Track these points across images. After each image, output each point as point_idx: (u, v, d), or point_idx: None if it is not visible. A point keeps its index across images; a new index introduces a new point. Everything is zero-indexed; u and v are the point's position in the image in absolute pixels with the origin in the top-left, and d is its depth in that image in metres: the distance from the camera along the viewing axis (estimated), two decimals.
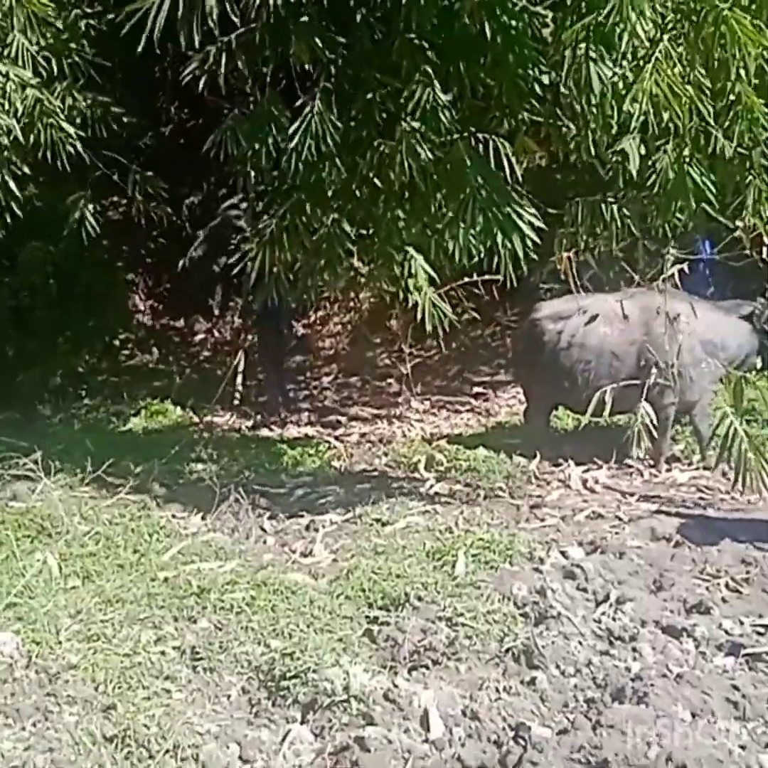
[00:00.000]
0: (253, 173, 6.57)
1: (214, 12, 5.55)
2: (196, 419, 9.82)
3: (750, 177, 5.74)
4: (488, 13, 5.48)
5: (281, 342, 11.33)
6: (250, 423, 9.97)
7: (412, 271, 6.07)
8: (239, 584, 5.01)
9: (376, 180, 6.04)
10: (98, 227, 7.90)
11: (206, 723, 3.79)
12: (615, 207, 6.18)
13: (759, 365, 8.80)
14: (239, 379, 10.46)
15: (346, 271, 6.50)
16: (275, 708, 3.96)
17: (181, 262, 12.90)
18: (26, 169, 6.96)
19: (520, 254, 5.76)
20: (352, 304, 12.71)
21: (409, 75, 5.73)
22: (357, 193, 6.31)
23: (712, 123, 5.45)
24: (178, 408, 10.04)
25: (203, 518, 6.39)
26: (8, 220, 6.92)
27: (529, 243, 5.76)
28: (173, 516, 6.44)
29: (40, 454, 6.70)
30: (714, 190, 5.71)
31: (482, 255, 6.01)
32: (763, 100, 5.31)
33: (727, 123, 5.44)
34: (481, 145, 5.86)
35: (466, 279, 8.79)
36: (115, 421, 9.80)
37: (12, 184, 6.63)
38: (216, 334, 13.15)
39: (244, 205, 12.26)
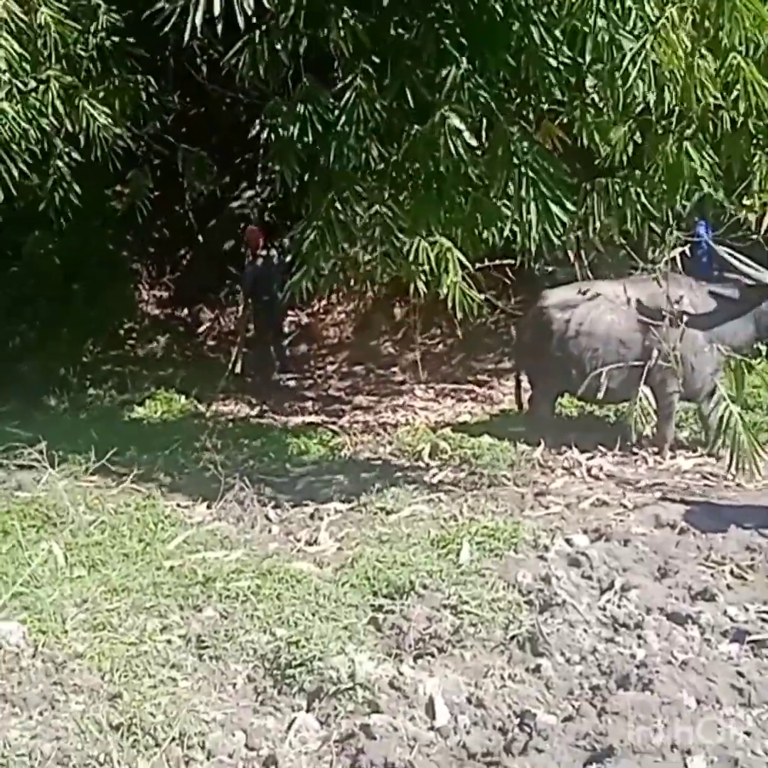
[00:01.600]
0: (286, 164, 6.48)
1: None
2: (201, 408, 9.82)
3: (757, 154, 5.71)
4: None
5: (279, 330, 11.36)
6: (254, 412, 9.98)
7: (446, 258, 6.04)
8: (244, 573, 5.02)
9: (410, 165, 6.02)
10: (101, 219, 7.92)
11: (212, 711, 3.80)
12: (619, 188, 6.16)
13: (764, 351, 8.82)
14: (241, 368, 10.43)
15: (395, 258, 6.44)
16: (281, 696, 3.97)
17: (184, 252, 12.91)
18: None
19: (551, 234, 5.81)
20: (357, 291, 12.69)
21: (439, 60, 5.73)
22: (396, 178, 6.30)
23: (720, 99, 5.44)
24: (183, 397, 10.04)
25: (208, 507, 6.41)
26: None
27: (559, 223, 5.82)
28: (178, 505, 6.45)
29: (45, 444, 6.73)
30: (713, 172, 5.70)
31: (509, 237, 6.05)
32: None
33: (732, 100, 5.43)
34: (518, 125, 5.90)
35: (478, 265, 8.77)
36: (120, 411, 9.80)
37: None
38: (221, 323, 13.14)
39: (250, 193, 12.26)
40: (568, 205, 5.80)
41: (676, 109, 5.50)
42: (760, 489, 6.39)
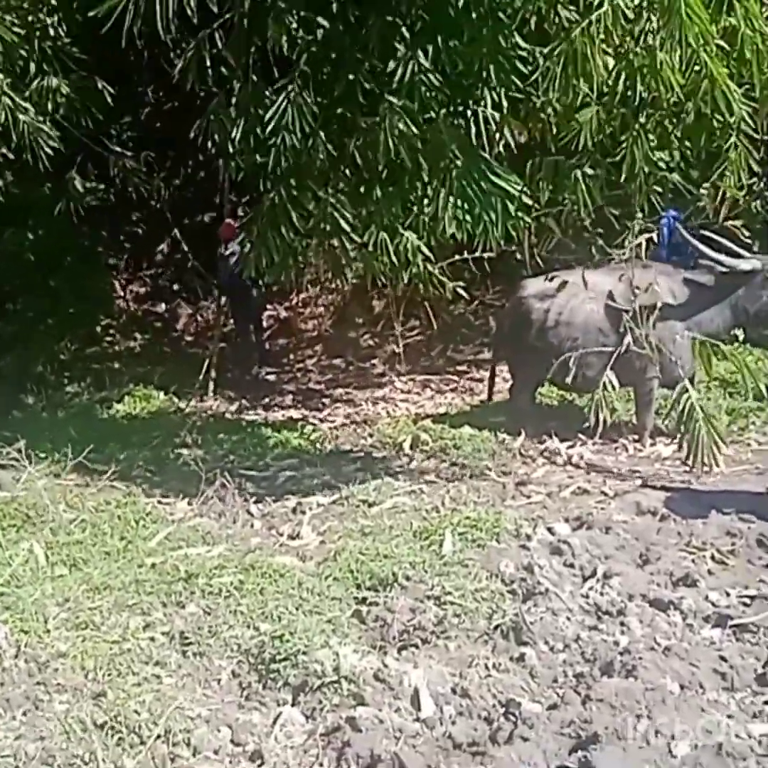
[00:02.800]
0: (233, 163, 6.50)
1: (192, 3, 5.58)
2: (180, 404, 9.79)
3: (729, 141, 5.70)
4: None
5: (258, 324, 11.35)
6: (234, 407, 9.95)
7: (407, 249, 6.03)
8: (227, 568, 5.00)
9: (360, 159, 6.01)
10: (79, 213, 7.88)
11: (197, 707, 3.79)
12: (580, 174, 6.17)
13: (741, 337, 8.85)
14: (208, 365, 10.41)
15: (344, 253, 6.43)
16: (266, 691, 3.97)
17: (161, 247, 12.86)
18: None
19: (500, 229, 5.79)
20: (334, 285, 12.66)
21: (389, 53, 5.71)
22: (345, 172, 6.28)
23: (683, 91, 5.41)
24: (162, 393, 10.00)
25: (189, 504, 6.38)
26: None
27: (512, 215, 5.80)
28: (159, 502, 6.43)
29: (24, 442, 6.69)
30: (676, 161, 5.72)
31: (470, 229, 6.03)
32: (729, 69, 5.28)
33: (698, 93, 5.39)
34: (463, 120, 5.86)
35: (456, 257, 8.80)
36: (98, 408, 9.75)
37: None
38: (198, 318, 13.10)
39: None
40: (508, 202, 5.81)
41: (640, 98, 5.47)
42: (739, 474, 6.44)
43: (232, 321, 11.88)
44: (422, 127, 5.76)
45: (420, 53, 5.70)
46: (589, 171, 6.14)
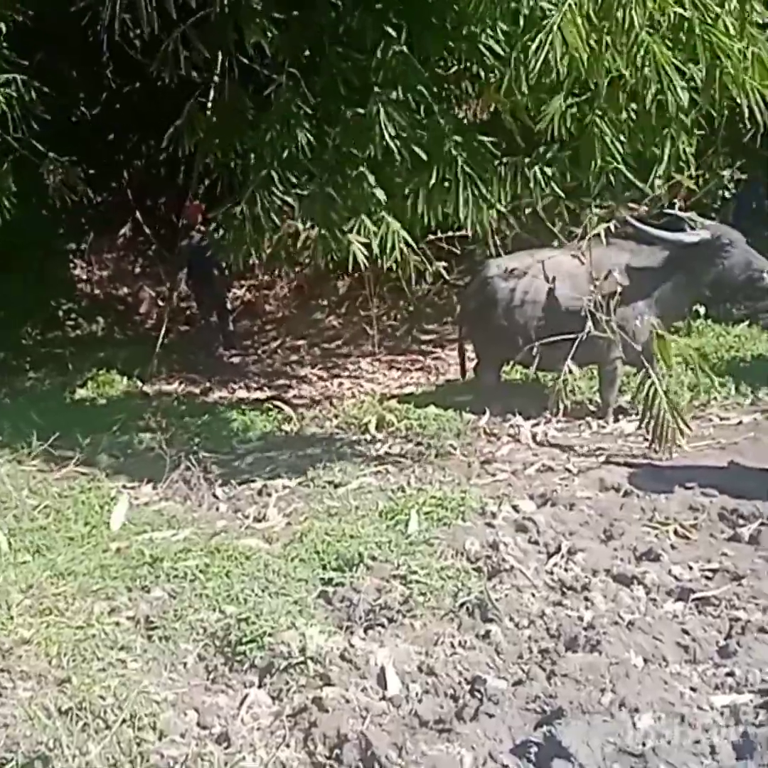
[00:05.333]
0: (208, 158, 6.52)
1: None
2: (144, 388, 9.72)
3: (669, 131, 5.68)
4: None
5: (222, 306, 11.30)
6: (198, 390, 9.89)
7: (388, 235, 6.04)
8: (192, 552, 4.99)
9: (346, 148, 6.01)
10: (29, 199, 7.78)
11: (163, 691, 3.78)
12: (537, 167, 6.20)
13: (703, 312, 8.92)
14: (182, 345, 10.36)
15: (329, 242, 6.43)
16: (232, 673, 3.97)
17: (122, 231, 12.75)
18: None
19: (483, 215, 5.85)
20: (298, 268, 12.61)
21: (375, 45, 5.71)
22: (329, 162, 6.27)
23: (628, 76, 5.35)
24: (125, 378, 9.92)
25: (154, 487, 6.34)
26: None
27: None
28: (124, 486, 6.38)
29: None
30: (623, 149, 5.72)
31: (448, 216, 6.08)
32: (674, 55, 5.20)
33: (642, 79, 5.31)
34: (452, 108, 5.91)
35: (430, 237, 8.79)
36: (61, 393, 9.65)
37: None
38: (161, 302, 13.00)
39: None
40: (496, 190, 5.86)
41: (594, 86, 5.45)
42: (701, 449, 6.49)
43: (194, 303, 11.81)
44: (417, 118, 5.76)
45: (403, 45, 5.72)
46: (547, 169, 6.18)
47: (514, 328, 7.55)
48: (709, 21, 5.00)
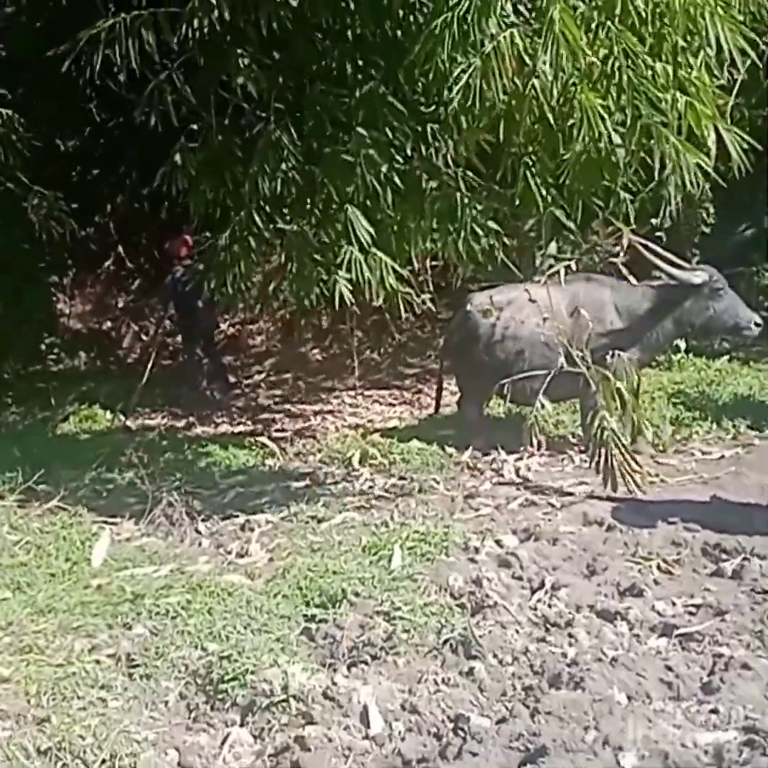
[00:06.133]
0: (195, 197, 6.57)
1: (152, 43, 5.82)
2: (127, 423, 9.69)
3: (605, 178, 5.63)
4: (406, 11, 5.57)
5: (210, 340, 11.28)
6: (181, 424, 9.87)
7: (379, 269, 6.08)
8: (174, 588, 4.95)
9: (330, 186, 6.04)
10: (13, 233, 7.82)
11: (144, 730, 3.74)
12: (478, 207, 6.26)
13: (683, 347, 8.98)
14: (166, 380, 10.33)
15: (314, 278, 6.46)
16: (214, 712, 3.93)
17: (106, 265, 12.76)
18: None
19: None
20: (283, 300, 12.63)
21: (355, 83, 5.80)
22: (315, 200, 6.32)
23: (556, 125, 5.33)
24: (108, 412, 9.89)
25: (136, 523, 6.31)
26: None
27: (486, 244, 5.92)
28: (105, 522, 6.33)
29: None
30: (561, 197, 5.76)
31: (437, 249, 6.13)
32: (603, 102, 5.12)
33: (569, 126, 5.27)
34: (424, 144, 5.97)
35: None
36: (44, 428, 9.62)
37: None
38: (144, 336, 12.99)
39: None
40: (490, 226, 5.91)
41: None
42: (684, 484, 6.52)
43: (178, 337, 11.80)
44: (392, 157, 5.82)
45: (379, 84, 5.80)
46: (479, 207, 6.24)
47: (495, 363, 7.57)
48: (639, 70, 4.96)
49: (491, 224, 6.33)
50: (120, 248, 13.16)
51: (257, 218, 6.18)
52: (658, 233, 7.46)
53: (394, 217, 6.07)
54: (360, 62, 5.91)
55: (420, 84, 5.92)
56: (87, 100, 11.05)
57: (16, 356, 11.34)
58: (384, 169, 5.82)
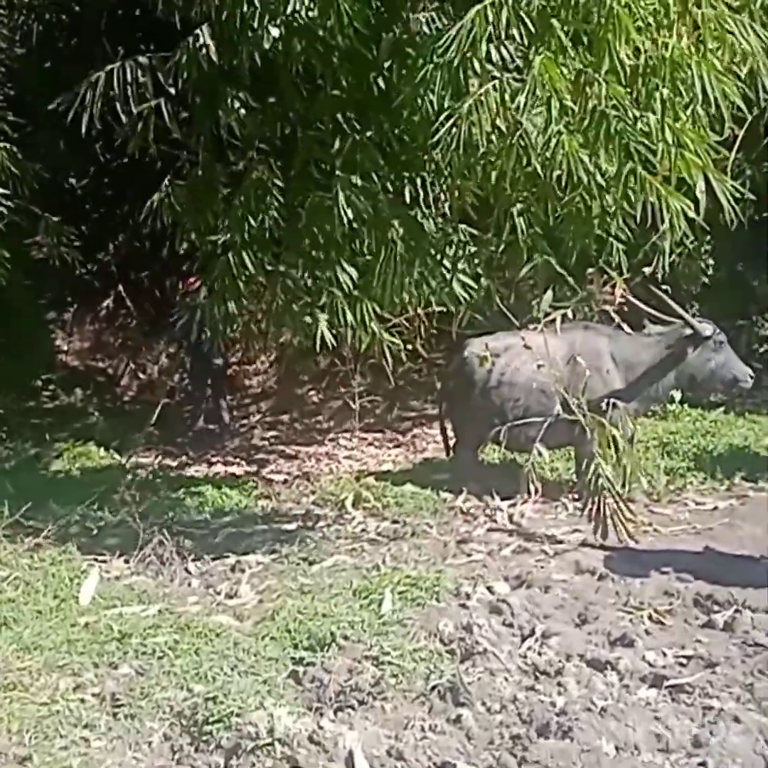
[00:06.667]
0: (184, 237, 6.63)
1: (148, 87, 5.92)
2: (121, 460, 9.66)
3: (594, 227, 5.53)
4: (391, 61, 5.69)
5: (216, 381, 11.21)
6: (175, 463, 9.85)
7: (360, 313, 6.10)
8: (162, 628, 4.93)
9: (315, 229, 6.08)
10: (18, 268, 7.88)
11: None
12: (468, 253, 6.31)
13: (678, 397, 8.99)
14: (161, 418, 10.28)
15: (302, 320, 6.50)
16: (198, 754, 3.89)
17: (105, 304, 12.79)
18: None
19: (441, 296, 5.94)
20: (280, 341, 12.66)
21: (336, 130, 5.85)
22: (299, 242, 6.36)
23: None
24: (102, 449, 9.87)
25: (126, 561, 6.27)
26: None
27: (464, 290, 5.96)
28: (95, 559, 6.30)
29: None
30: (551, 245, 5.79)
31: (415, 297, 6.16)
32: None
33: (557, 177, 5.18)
34: (409, 191, 6.00)
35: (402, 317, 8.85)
36: (37, 464, 9.59)
37: None
38: (140, 375, 13.00)
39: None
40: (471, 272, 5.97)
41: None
42: (677, 534, 6.50)
43: (176, 377, 11.79)
44: (369, 202, 5.87)
45: (363, 130, 5.86)
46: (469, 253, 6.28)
47: (491, 409, 7.59)
48: (627, 120, 4.95)
49: (482, 271, 6.35)
50: (120, 287, 13.18)
51: (244, 257, 6.20)
52: (663, 285, 7.48)
53: (379, 263, 6.08)
54: (346, 109, 5.97)
55: (405, 131, 5.97)
56: (92, 140, 11.16)
57: (12, 391, 11.30)
58: (367, 214, 5.85)
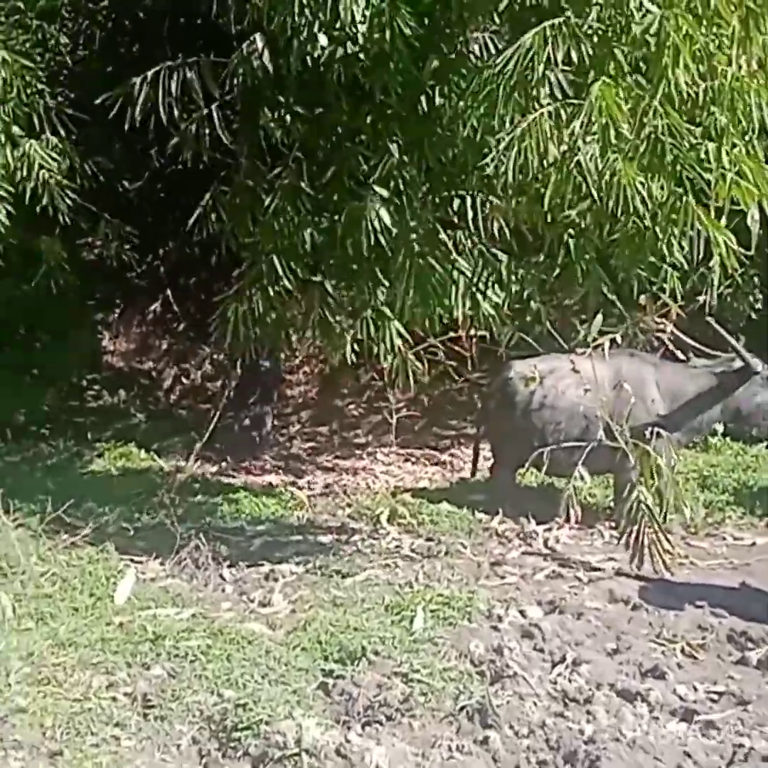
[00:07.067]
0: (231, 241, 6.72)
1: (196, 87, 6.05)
2: (161, 463, 9.75)
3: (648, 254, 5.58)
4: (439, 79, 5.75)
5: (264, 389, 11.23)
6: (215, 469, 9.91)
7: (386, 331, 6.13)
8: (195, 632, 4.97)
9: (348, 242, 6.12)
10: (70, 268, 8.01)
11: None
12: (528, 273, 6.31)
13: (720, 430, 8.91)
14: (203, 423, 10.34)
15: (331, 328, 6.55)
16: (225, 760, 3.93)
17: (153, 307, 12.91)
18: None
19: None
20: (322, 353, 12.72)
21: (377, 143, 5.90)
22: (333, 252, 6.40)
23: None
24: (143, 451, 9.97)
25: (162, 564, 6.33)
26: None
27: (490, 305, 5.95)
28: (132, 560, 6.37)
29: (1, 492, 6.63)
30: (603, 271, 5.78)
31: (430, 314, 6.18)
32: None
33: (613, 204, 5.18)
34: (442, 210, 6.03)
35: (431, 338, 8.86)
36: (78, 462, 9.70)
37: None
38: (184, 380, 13.10)
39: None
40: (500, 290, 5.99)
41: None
42: (714, 568, 6.45)
43: (219, 382, 11.84)
44: (397, 216, 5.91)
45: (397, 147, 5.93)
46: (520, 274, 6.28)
47: (531, 431, 7.57)
48: (683, 148, 4.99)
49: (532, 293, 6.37)
50: (168, 291, 13.30)
51: (276, 265, 6.27)
52: (708, 318, 7.44)
53: (404, 280, 6.10)
54: (389, 123, 6.01)
55: (449, 150, 5.99)
56: (148, 143, 11.30)
57: (57, 389, 11.45)
58: (397, 229, 5.88)
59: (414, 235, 5.96)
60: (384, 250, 6.00)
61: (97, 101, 6.38)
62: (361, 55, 5.74)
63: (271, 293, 6.36)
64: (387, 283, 6.15)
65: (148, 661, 4.66)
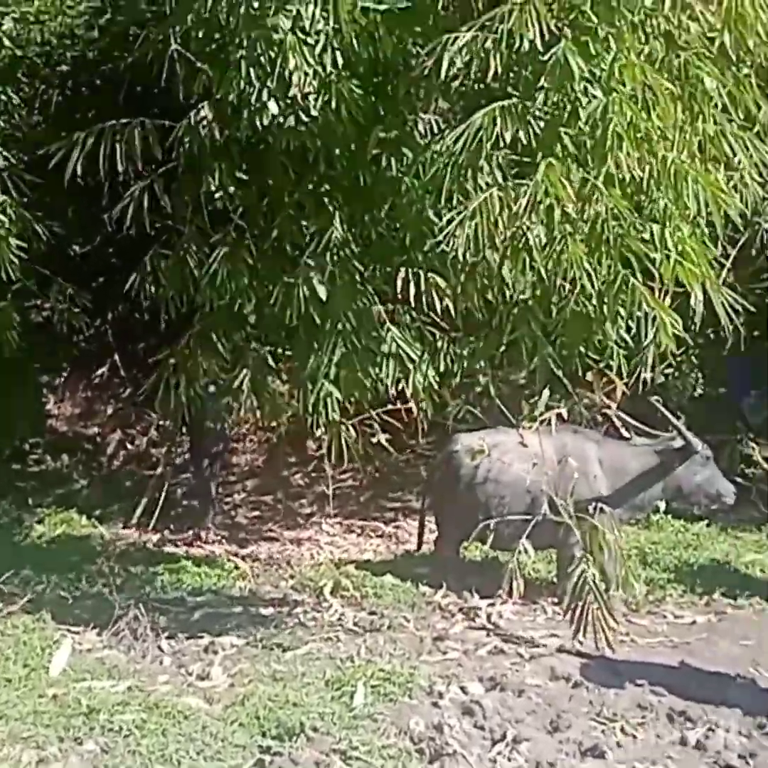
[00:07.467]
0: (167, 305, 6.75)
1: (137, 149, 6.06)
2: (102, 531, 9.61)
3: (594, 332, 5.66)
4: (386, 152, 5.84)
5: (214, 458, 11.14)
6: (156, 538, 9.78)
7: (320, 401, 6.15)
8: (130, 705, 4.89)
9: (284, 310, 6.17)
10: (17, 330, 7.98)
11: None
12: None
13: (662, 507, 9.00)
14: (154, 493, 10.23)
15: (269, 394, 6.56)
16: None
17: (100, 371, 12.82)
18: None
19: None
20: (268, 424, 12.69)
21: (319, 214, 6.00)
22: (270, 320, 6.45)
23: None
24: (84, 517, 9.82)
25: (99, 634, 6.23)
26: None
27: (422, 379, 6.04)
28: (68, 630, 6.25)
29: None
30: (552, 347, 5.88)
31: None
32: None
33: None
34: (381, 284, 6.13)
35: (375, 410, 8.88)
36: (17, 528, 9.53)
37: None
38: (129, 446, 12.98)
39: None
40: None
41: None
42: (654, 646, 6.47)
43: (163, 449, 11.74)
44: (331, 287, 5.98)
45: (339, 218, 6.00)
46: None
47: (476, 505, 7.59)
48: (626, 229, 5.11)
49: (480, 367, 6.43)
50: (116, 356, 13.23)
51: (210, 333, 6.32)
52: (653, 395, 7.57)
53: (340, 350, 6.14)
54: (332, 193, 6.12)
55: (390, 224, 6.10)
56: (100, 208, 11.34)
57: (0, 453, 11.28)
58: (328, 301, 5.93)
59: (346, 308, 6.01)
60: (314, 320, 6.06)
61: (39, 152, 6.41)
62: (310, 125, 5.83)
63: (206, 363, 6.41)
64: (318, 353, 6.18)
65: (81, 735, 4.57)
